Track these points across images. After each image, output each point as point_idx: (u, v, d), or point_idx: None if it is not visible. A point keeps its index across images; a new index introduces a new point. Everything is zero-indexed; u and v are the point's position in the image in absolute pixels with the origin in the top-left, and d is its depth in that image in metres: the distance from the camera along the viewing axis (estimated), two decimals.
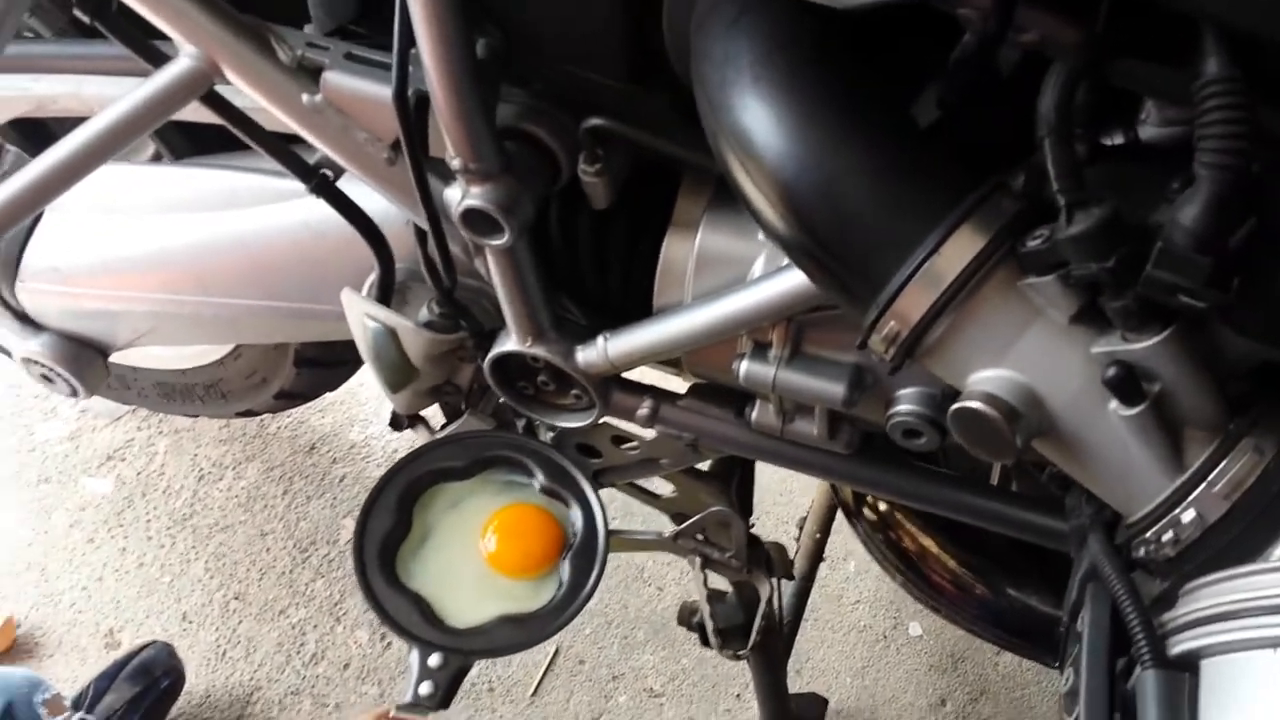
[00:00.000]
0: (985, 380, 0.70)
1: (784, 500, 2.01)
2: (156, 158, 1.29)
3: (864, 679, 1.79)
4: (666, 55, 0.82)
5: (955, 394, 0.72)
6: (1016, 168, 0.68)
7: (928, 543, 1.26)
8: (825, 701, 1.66)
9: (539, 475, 1.10)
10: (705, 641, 1.38)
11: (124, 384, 1.81)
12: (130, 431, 2.06)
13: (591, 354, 0.99)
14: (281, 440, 2.05)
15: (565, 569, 1.06)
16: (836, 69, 0.70)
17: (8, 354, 1.39)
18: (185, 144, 1.24)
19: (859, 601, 1.86)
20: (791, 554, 1.43)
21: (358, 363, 1.73)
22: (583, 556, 1.06)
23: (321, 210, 1.06)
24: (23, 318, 1.33)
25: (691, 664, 1.80)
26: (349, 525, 1.94)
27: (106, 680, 1.60)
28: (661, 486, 1.25)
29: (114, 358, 1.38)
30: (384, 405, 2.16)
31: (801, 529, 1.64)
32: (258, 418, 2.04)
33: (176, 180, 1.17)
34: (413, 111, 0.86)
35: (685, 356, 0.99)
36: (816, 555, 1.61)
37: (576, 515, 1.08)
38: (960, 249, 0.66)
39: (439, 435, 1.20)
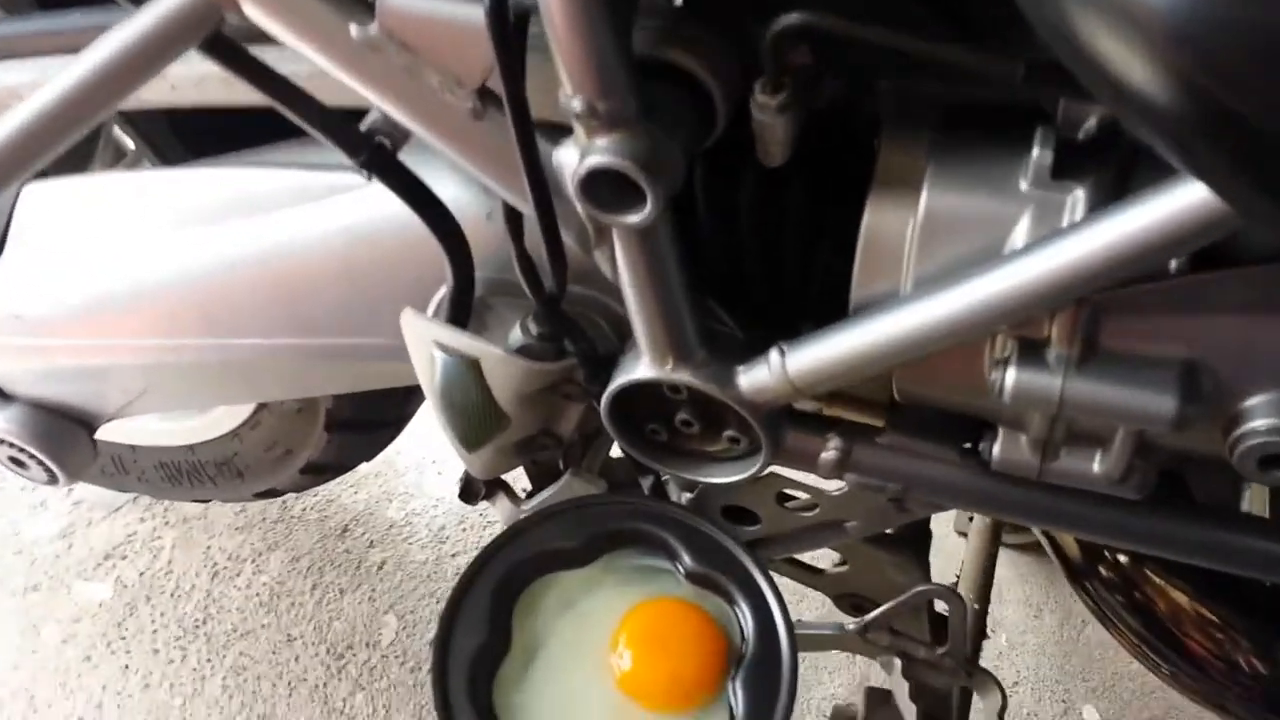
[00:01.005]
0: None
1: None
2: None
3: None
4: None
5: None
6: None
7: (1181, 599, 0.96)
8: None
9: (684, 556, 0.80)
10: None
11: (120, 467, 1.53)
12: (131, 524, 1.77)
13: (761, 376, 0.70)
14: (308, 524, 1.76)
15: (736, 693, 0.75)
16: None
17: None
18: (176, 145, 0.96)
19: (1018, 682, 1.55)
20: None
21: (402, 422, 1.44)
22: (759, 673, 0.75)
23: (368, 209, 0.80)
24: None
25: None
26: (391, 623, 1.64)
27: None
28: (820, 555, 0.95)
29: (105, 433, 1.10)
30: (425, 476, 1.88)
31: None
32: (280, 498, 1.75)
33: (170, 188, 0.89)
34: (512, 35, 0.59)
35: (900, 370, 0.70)
36: (979, 631, 1.31)
37: (744, 613, 0.77)
38: None
39: (533, 505, 0.90)
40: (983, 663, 1.52)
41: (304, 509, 1.77)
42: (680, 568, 0.81)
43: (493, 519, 1.75)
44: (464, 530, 1.74)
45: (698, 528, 0.79)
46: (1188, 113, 0.40)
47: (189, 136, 0.96)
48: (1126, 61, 0.41)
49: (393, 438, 1.48)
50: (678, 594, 0.80)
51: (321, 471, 1.43)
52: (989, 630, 1.62)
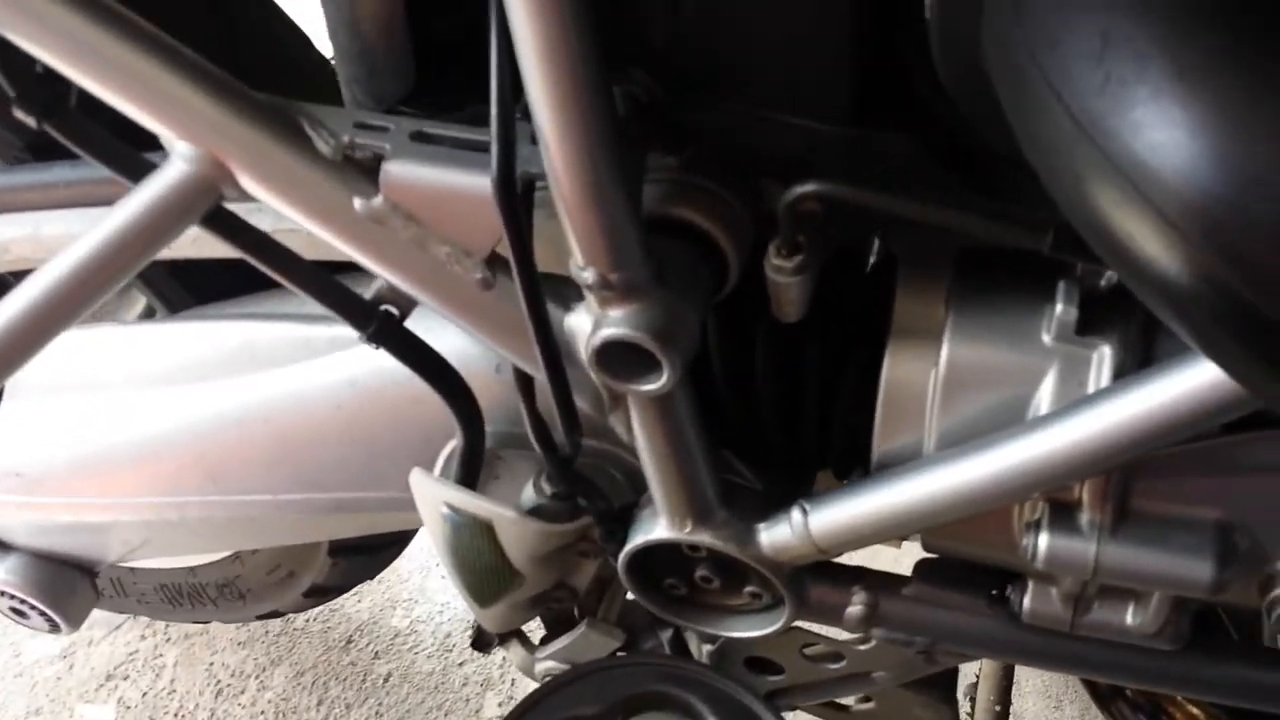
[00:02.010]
0: None
1: None
2: (149, 313, 1.00)
3: None
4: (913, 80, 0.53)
5: None
6: None
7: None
8: None
9: (708, 719, 0.77)
10: None
11: (120, 589, 1.50)
12: (133, 642, 1.73)
13: (783, 535, 0.69)
14: (311, 636, 1.72)
15: None
16: None
17: None
18: (182, 293, 0.95)
19: None
20: None
21: (405, 540, 1.42)
22: None
23: (372, 361, 0.78)
24: None
25: None
26: None
27: None
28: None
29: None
30: (429, 579, 1.85)
31: (974, 701, 1.32)
32: None
33: (171, 341, 0.88)
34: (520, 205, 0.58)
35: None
36: None
37: None
38: None
39: (547, 653, 0.88)
40: None
41: (307, 621, 1.74)
42: None
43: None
44: (470, 637, 1.71)
45: (722, 689, 0.77)
46: (1208, 302, 0.39)
47: (193, 282, 0.95)
48: (1149, 248, 0.40)
49: (396, 555, 1.45)
50: None
51: (325, 593, 1.40)
52: None
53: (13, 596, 1.03)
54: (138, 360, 0.88)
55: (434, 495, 0.75)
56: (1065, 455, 0.56)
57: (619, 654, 0.88)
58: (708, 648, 0.84)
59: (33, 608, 1.03)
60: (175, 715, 1.64)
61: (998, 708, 1.30)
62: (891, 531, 0.65)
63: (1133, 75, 0.39)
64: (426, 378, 0.70)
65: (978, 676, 1.32)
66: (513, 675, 1.68)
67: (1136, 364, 0.59)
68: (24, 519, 0.97)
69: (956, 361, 0.63)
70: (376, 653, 1.70)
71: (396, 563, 1.77)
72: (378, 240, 0.65)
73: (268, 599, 1.42)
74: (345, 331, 0.80)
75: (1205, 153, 0.38)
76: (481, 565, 0.77)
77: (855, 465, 0.72)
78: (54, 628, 1.05)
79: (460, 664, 1.68)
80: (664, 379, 0.60)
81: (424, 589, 1.78)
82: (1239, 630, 0.83)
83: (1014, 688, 1.54)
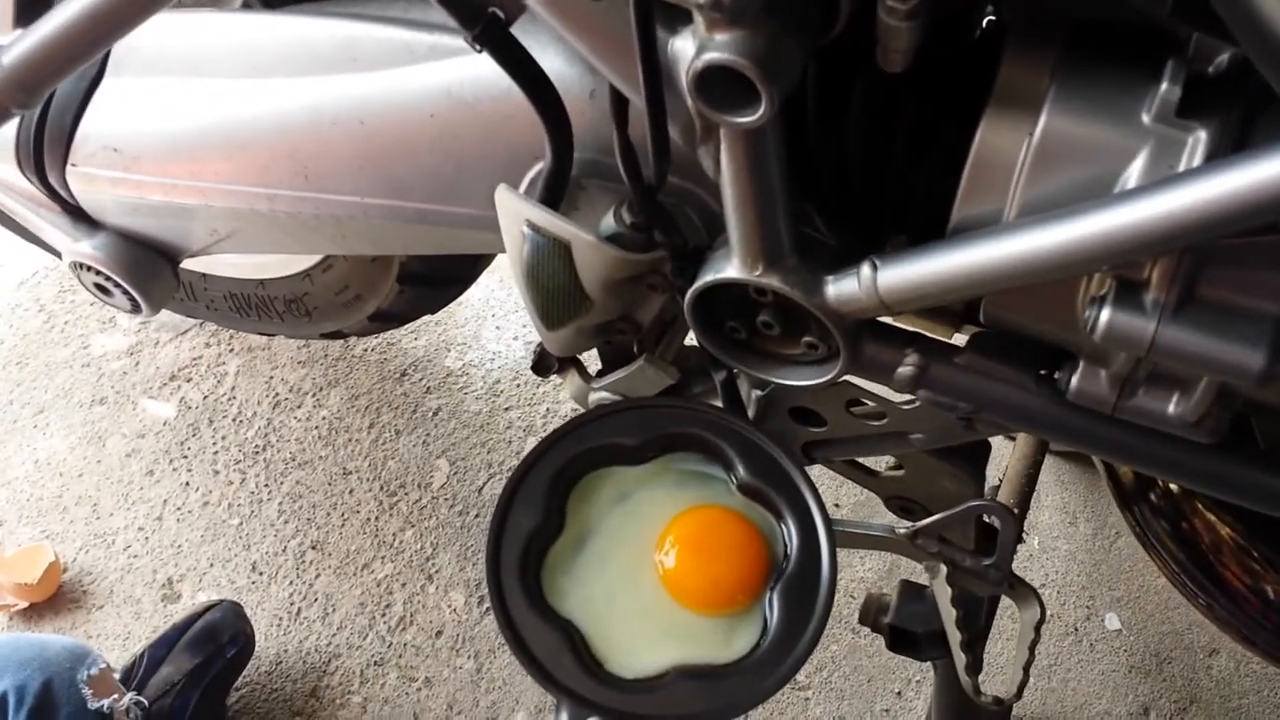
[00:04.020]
0: None
1: None
2: (246, 5, 1.00)
3: (1050, 679, 1.51)
4: None
5: None
6: None
7: (1226, 534, 0.97)
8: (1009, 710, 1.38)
9: (739, 468, 0.81)
10: (896, 647, 1.11)
11: (191, 294, 1.55)
12: (197, 348, 1.81)
13: (850, 287, 0.71)
14: (369, 365, 1.79)
15: (772, 604, 0.77)
16: None
17: (58, 255, 1.13)
18: None
19: (1044, 585, 1.58)
20: None
21: (470, 279, 1.46)
22: (797, 590, 0.77)
23: (470, 73, 0.80)
24: (74, 211, 1.07)
25: (842, 652, 1.53)
26: (443, 467, 1.69)
27: (164, 647, 1.35)
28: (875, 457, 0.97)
29: (185, 264, 1.12)
30: (484, 328, 1.90)
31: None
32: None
33: (273, 33, 0.89)
34: None
35: (991, 295, 0.70)
36: (1016, 537, 1.33)
37: (790, 529, 0.79)
38: None
39: (603, 384, 0.92)
40: (1012, 564, 1.56)
41: (365, 349, 1.81)
42: (733, 478, 0.82)
43: (544, 379, 1.77)
44: (518, 386, 1.77)
45: (757, 443, 0.81)
46: None
47: None
48: None
49: (460, 294, 1.49)
50: (728, 502, 0.82)
51: (388, 320, 1.45)
52: (1024, 531, 1.65)
53: (99, 272, 1.07)
54: (239, 48, 0.89)
55: (517, 211, 0.77)
56: (1143, 228, 0.57)
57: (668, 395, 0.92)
58: (757, 393, 0.88)
59: (117, 285, 1.07)
60: (233, 420, 1.73)
61: (1015, 511, 1.33)
62: (959, 292, 0.66)
63: None
64: (524, 87, 0.71)
65: (1000, 481, 1.36)
66: (555, 425, 1.75)
67: (1229, 153, 0.59)
68: (116, 196, 1.01)
69: (1052, 132, 0.63)
70: (429, 388, 1.77)
71: (453, 308, 1.83)
72: None
73: (333, 318, 1.47)
74: (447, 40, 0.82)
75: None
76: (555, 286, 0.80)
77: (929, 232, 0.73)
78: (135, 308, 1.10)
79: (506, 409, 1.75)
80: (760, 111, 0.61)
81: (478, 336, 1.84)
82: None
83: (1035, 501, 1.59)
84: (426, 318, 1.72)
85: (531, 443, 1.73)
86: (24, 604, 1.52)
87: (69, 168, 1.00)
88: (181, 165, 0.94)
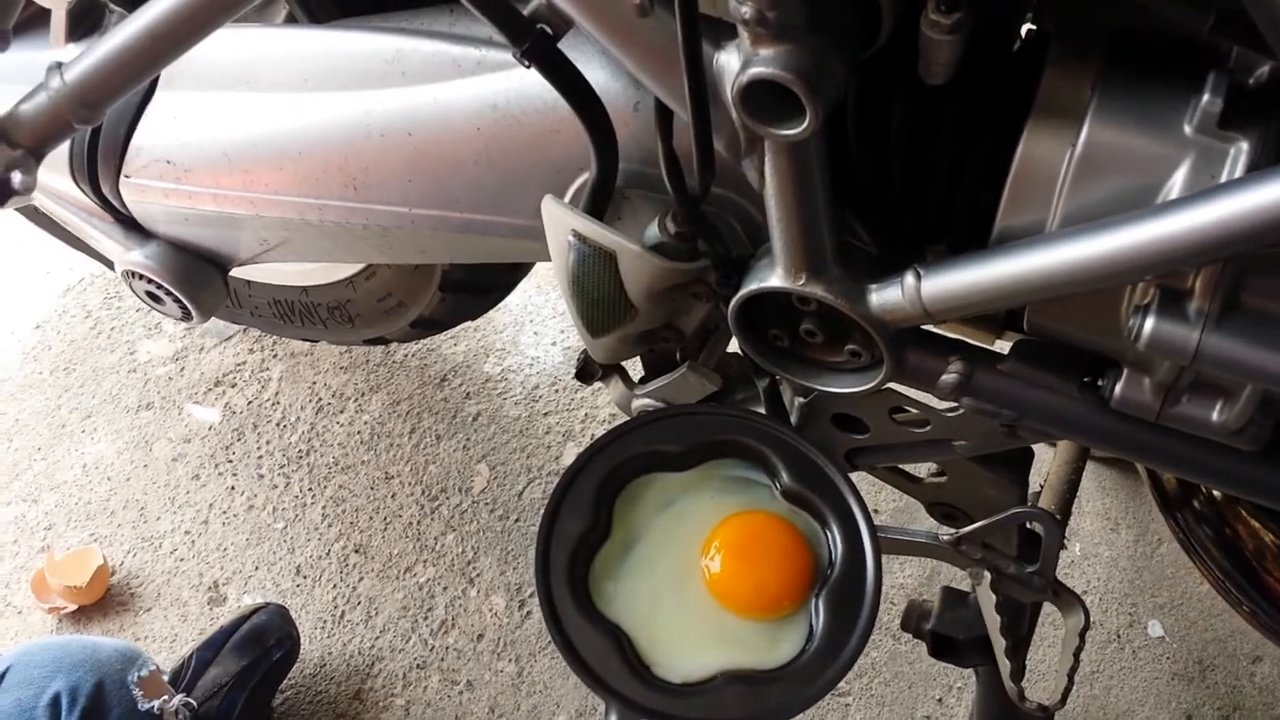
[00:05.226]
0: None
1: None
2: (291, 21, 1.02)
3: (1093, 686, 1.51)
4: None
5: None
6: None
7: (1270, 540, 0.97)
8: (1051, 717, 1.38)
9: (783, 474, 0.82)
10: (937, 653, 1.11)
11: (235, 300, 1.58)
12: (241, 354, 1.84)
13: (893, 296, 0.71)
14: (409, 370, 1.81)
15: (818, 610, 0.78)
16: None
17: (108, 265, 1.15)
18: (327, 3, 0.97)
19: (1086, 592, 1.58)
20: None
21: (510, 286, 1.48)
22: (842, 596, 0.77)
23: (516, 86, 0.81)
24: (127, 221, 1.09)
25: (883, 659, 1.53)
26: (483, 472, 1.70)
27: (211, 650, 1.38)
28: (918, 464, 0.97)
29: (232, 272, 1.14)
30: (522, 334, 1.92)
31: None
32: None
33: (322, 47, 0.91)
34: None
35: (1035, 303, 0.71)
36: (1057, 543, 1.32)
37: (834, 536, 0.80)
38: None
39: (645, 391, 0.93)
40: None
41: (406, 355, 1.83)
42: (778, 484, 0.83)
43: (583, 385, 1.78)
44: (556, 391, 1.79)
45: (801, 450, 0.81)
46: None
47: None
48: None
49: (500, 300, 1.51)
50: (772, 508, 0.82)
51: (430, 326, 1.47)
52: (1066, 538, 1.64)
53: (151, 280, 1.09)
54: (289, 62, 0.91)
55: (563, 222, 0.79)
56: (1187, 238, 0.57)
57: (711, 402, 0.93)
58: (800, 400, 0.89)
59: (168, 293, 1.10)
60: (277, 424, 1.76)
61: (1058, 517, 1.33)
62: (1003, 301, 0.67)
63: None
64: (571, 101, 0.73)
65: (1041, 486, 1.36)
66: (593, 430, 1.77)
67: (1271, 164, 0.59)
68: (168, 206, 1.03)
69: (1095, 142, 0.63)
70: (468, 393, 1.79)
71: (493, 314, 1.85)
72: None
73: (375, 325, 1.49)
74: (493, 55, 0.83)
75: None
76: (600, 295, 0.81)
77: (970, 241, 0.74)
78: (186, 315, 1.12)
79: (545, 414, 1.77)
80: (805, 124, 0.62)
81: (516, 342, 1.86)
82: None
83: (1076, 507, 1.58)
84: (466, 324, 1.74)
85: (570, 448, 1.75)
86: (73, 606, 1.55)
87: (122, 179, 1.03)
88: (233, 176, 0.96)
